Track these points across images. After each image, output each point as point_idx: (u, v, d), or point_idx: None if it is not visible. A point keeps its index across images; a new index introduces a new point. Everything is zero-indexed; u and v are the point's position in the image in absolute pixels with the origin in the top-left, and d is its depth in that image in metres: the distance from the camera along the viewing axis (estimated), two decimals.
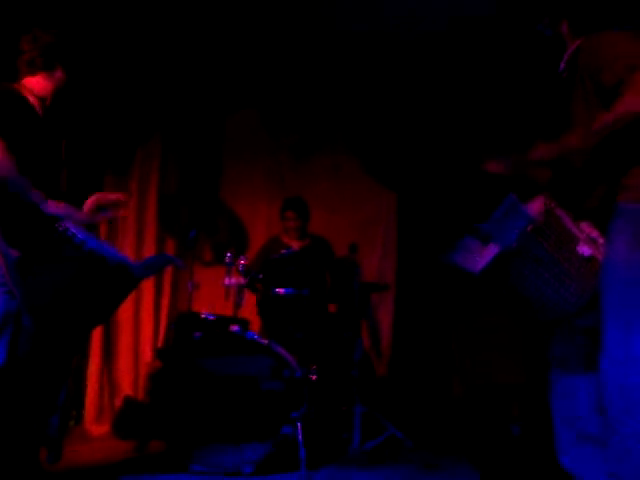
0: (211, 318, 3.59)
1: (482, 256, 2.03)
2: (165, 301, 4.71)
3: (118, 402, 4.27)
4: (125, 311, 4.43)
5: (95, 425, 4.13)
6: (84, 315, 2.43)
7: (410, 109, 5.04)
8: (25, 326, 2.30)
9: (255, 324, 4.06)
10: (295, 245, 4.43)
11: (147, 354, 4.49)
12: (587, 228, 2.01)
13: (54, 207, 2.37)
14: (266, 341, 3.35)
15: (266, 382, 3.21)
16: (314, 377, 3.55)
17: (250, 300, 3.84)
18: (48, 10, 3.38)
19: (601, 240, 1.99)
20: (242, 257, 3.63)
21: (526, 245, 1.96)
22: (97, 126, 4.44)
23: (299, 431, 3.06)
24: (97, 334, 4.34)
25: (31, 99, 2.55)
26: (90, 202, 2.77)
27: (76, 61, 2.70)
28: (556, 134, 2.04)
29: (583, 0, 2.29)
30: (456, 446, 3.69)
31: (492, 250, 2.02)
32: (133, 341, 4.49)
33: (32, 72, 2.58)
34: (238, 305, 3.58)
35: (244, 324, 3.60)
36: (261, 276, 3.62)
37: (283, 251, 3.80)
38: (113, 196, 2.87)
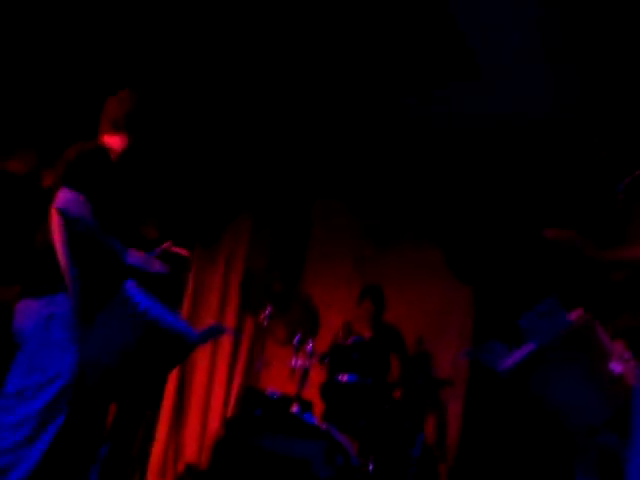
0: (275, 397, 3.70)
1: (512, 355, 2.07)
2: (238, 375, 4.87)
3: (181, 467, 4.40)
4: (199, 380, 4.63)
5: None
6: (137, 376, 2.45)
7: (492, 205, 5.09)
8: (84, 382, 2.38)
9: (319, 406, 4.12)
10: (366, 333, 4.49)
11: (215, 424, 4.63)
12: (620, 347, 2.04)
13: (134, 256, 2.43)
14: (324, 425, 3.40)
15: (318, 467, 3.24)
16: (371, 467, 3.54)
17: (316, 382, 3.93)
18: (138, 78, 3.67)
19: (632, 362, 2.01)
20: (310, 340, 3.75)
21: (561, 348, 1.99)
22: (191, 199, 4.77)
23: None
24: (169, 398, 4.54)
25: (112, 159, 2.63)
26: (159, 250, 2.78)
27: (164, 129, 2.84)
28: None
29: None
30: None
31: (525, 348, 2.06)
32: (203, 410, 4.66)
33: (114, 131, 2.66)
34: (302, 386, 3.67)
35: (306, 405, 3.68)
36: (327, 361, 3.72)
37: (352, 338, 3.88)
38: (178, 250, 2.83)
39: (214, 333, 3.27)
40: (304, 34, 3.89)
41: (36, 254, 2.49)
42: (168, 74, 4.09)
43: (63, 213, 2.34)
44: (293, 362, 3.71)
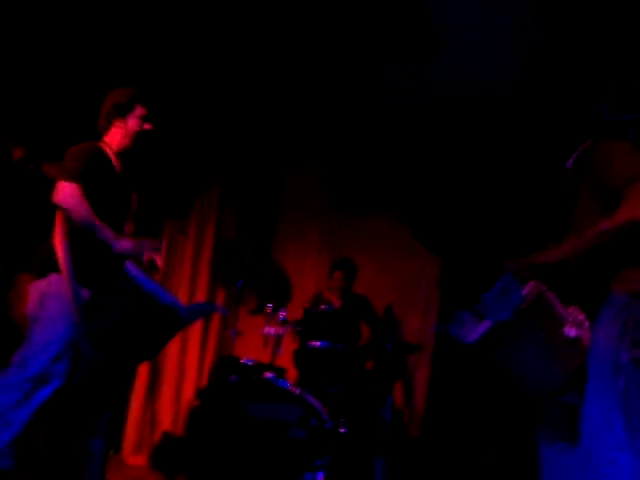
0: (249, 364, 3.80)
1: (476, 328, 2.20)
2: (211, 345, 4.94)
3: (157, 436, 4.49)
4: (172, 351, 4.69)
5: (133, 456, 4.36)
6: (135, 349, 2.74)
7: (460, 178, 5.23)
8: (84, 354, 2.59)
9: (293, 372, 4.24)
10: (336, 302, 4.61)
11: (189, 393, 4.71)
12: (574, 311, 2.16)
13: (125, 243, 2.64)
14: (298, 390, 3.52)
15: (293, 430, 3.37)
16: (343, 430, 3.68)
17: (289, 349, 4.05)
18: (121, 68, 3.77)
19: (587, 323, 2.13)
20: (282, 309, 3.85)
21: (517, 322, 2.12)
22: (161, 175, 4.80)
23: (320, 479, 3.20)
24: (144, 370, 4.60)
25: (111, 155, 2.88)
26: None
27: (149, 110, 2.97)
28: (560, 226, 2.20)
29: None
30: None
31: (486, 323, 2.18)
32: (177, 380, 4.73)
33: (107, 127, 2.91)
34: (275, 354, 3.78)
35: (279, 372, 3.79)
36: (300, 329, 3.83)
37: (323, 307, 3.99)
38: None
39: (204, 310, 3.40)
40: (271, 5, 3.91)
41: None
42: (136, 51, 4.07)
43: (60, 205, 2.60)
44: (266, 330, 3.81)
